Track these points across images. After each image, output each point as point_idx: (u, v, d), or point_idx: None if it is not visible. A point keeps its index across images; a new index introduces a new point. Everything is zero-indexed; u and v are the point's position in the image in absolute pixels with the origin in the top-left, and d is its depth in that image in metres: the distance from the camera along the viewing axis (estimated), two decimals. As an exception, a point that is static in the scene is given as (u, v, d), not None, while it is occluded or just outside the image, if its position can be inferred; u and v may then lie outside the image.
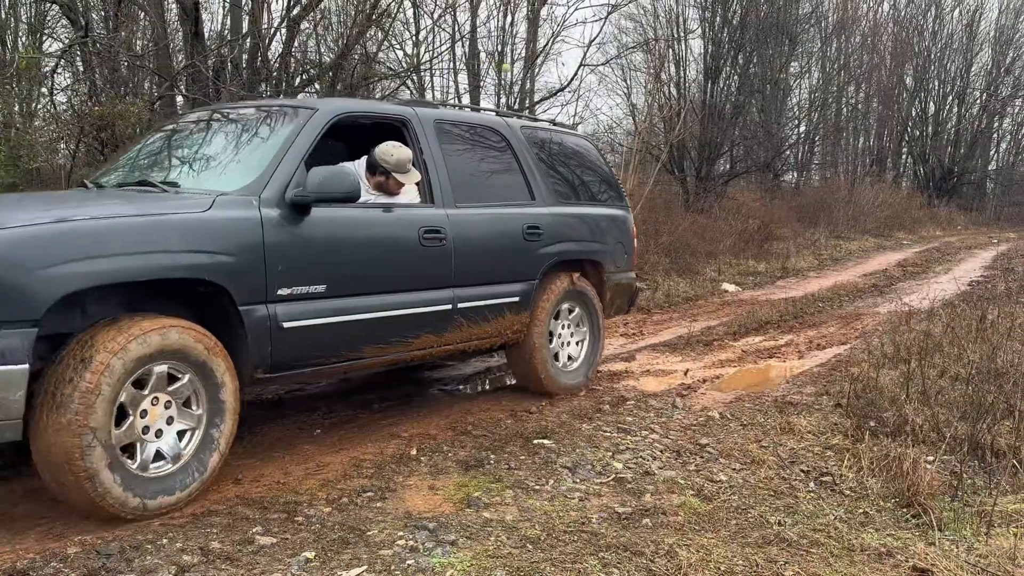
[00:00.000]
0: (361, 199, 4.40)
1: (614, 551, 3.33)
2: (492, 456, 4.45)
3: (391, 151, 4.81)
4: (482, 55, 14.16)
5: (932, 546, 3.56)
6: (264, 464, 4.31)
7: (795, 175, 26.08)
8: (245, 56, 9.79)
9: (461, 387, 6.28)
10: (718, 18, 21.53)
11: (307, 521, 3.53)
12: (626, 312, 6.92)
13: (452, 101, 8.79)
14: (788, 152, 24.61)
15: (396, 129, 4.97)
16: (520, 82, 13.66)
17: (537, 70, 14.54)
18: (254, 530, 3.41)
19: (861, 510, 3.97)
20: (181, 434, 3.64)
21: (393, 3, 11.76)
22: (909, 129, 32.42)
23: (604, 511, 3.78)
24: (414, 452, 4.50)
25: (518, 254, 5.36)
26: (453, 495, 3.89)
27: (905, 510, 3.96)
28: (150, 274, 3.50)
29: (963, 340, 6.66)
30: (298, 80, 9.95)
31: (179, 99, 9.75)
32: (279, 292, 3.96)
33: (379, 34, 12.02)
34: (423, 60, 13.32)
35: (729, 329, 8.74)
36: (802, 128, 25.96)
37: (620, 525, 3.63)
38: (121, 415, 3.38)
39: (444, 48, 14.22)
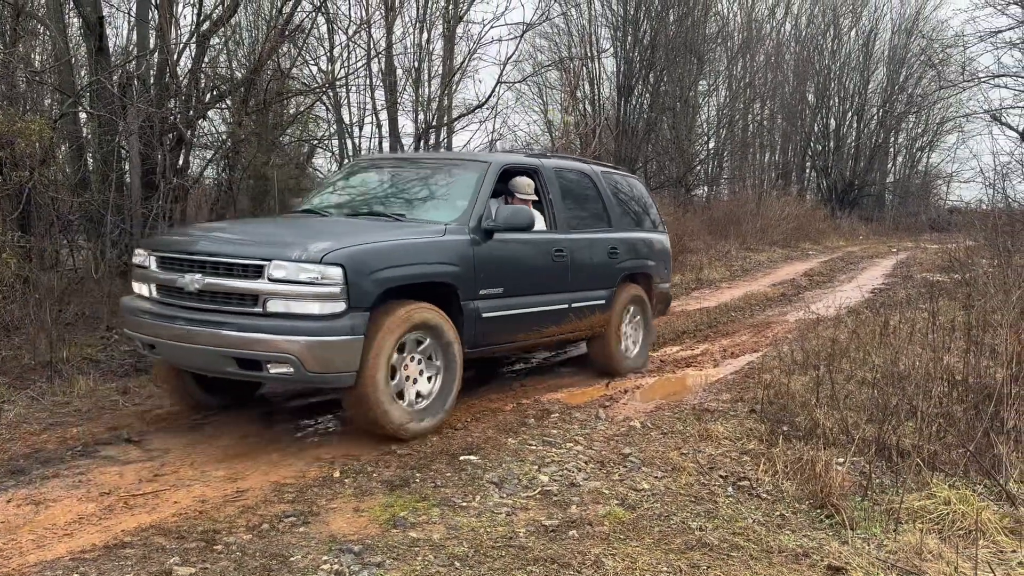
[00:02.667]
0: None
1: (542, 564, 3.34)
2: (418, 475, 4.41)
3: (527, 183, 6.53)
4: (399, 71, 14.11)
5: (845, 545, 3.71)
6: (179, 490, 4.17)
7: (705, 189, 26.84)
8: (153, 72, 9.49)
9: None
10: (629, 38, 22.06)
11: (227, 549, 3.43)
12: (663, 314, 8.53)
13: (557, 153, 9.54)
14: (699, 167, 25.31)
15: (529, 173, 6.58)
16: (437, 99, 13.66)
17: (455, 87, 14.57)
18: (171, 561, 3.29)
19: (778, 513, 4.10)
20: (429, 379, 5.23)
21: (307, 19, 11.62)
22: (812, 144, 33.82)
23: (531, 524, 3.80)
24: (338, 474, 4.43)
25: (605, 268, 7.01)
26: (379, 516, 3.84)
27: (819, 511, 4.11)
28: (419, 278, 5.16)
29: (868, 345, 6.97)
30: (208, 96, 9.70)
31: (83, 116, 9.38)
32: (480, 292, 5.59)
33: (292, 50, 11.85)
34: (338, 76, 13.17)
35: (648, 340, 8.91)
36: (711, 144, 26.79)
37: (547, 538, 3.65)
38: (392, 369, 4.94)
39: (360, 64, 14.10)
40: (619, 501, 4.15)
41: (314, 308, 4.58)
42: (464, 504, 4.02)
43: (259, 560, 3.31)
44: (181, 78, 9.31)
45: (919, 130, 36.42)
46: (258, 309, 4.62)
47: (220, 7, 9.65)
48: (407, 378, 5.10)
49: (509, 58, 15.19)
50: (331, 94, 14.55)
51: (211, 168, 10.58)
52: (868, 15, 34.09)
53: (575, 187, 7.02)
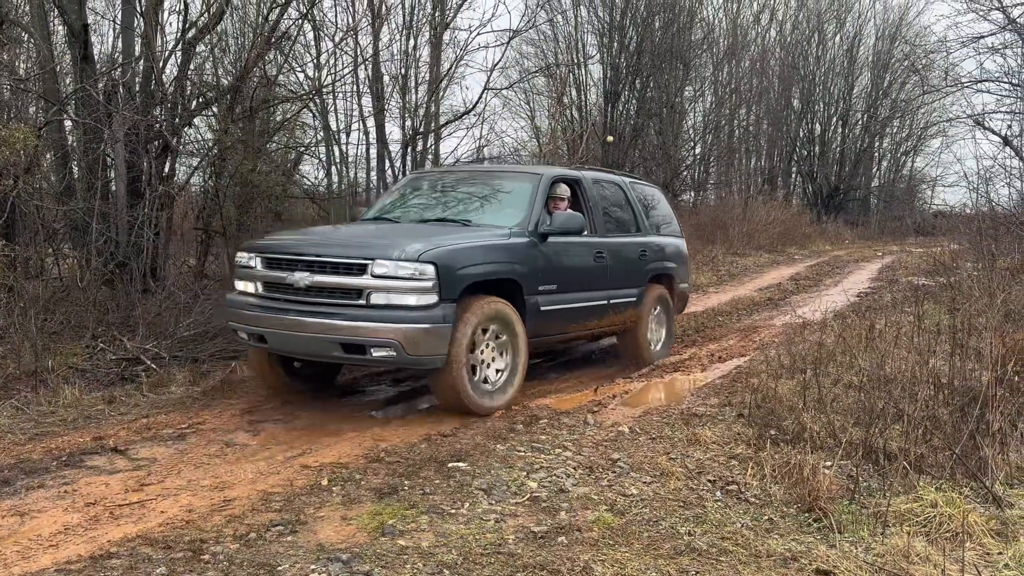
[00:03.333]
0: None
1: (530, 571, 3.34)
2: (407, 482, 4.40)
3: (566, 189, 7.19)
4: (385, 78, 14.12)
5: (833, 548, 3.72)
6: (166, 500, 4.14)
7: (692, 194, 26.95)
8: (138, 79, 9.45)
9: (373, 413, 6.18)
10: (615, 44, 22.15)
11: (214, 559, 3.40)
12: (680, 312, 9.22)
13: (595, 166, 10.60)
14: (685, 172, 25.43)
15: (571, 183, 7.31)
16: (424, 105, 13.67)
17: (442, 94, 14.59)
18: (157, 571, 3.27)
19: (766, 517, 4.12)
20: (501, 363, 6.05)
21: (293, 26, 11.61)
22: (797, 149, 34.02)
23: (520, 531, 3.79)
24: (325, 482, 4.41)
25: (636, 268, 7.78)
26: (367, 524, 3.82)
27: (807, 515, 4.12)
28: (492, 275, 5.91)
29: (854, 349, 6.99)
30: (194, 103, 9.66)
31: (68, 124, 9.33)
32: (539, 288, 6.34)
33: (279, 56, 11.83)
34: (325, 83, 13.16)
35: (636, 345, 8.92)
36: (698, 150, 26.94)
37: (536, 544, 3.64)
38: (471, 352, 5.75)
39: (347, 71, 14.11)
40: (608, 507, 4.15)
41: (411, 300, 5.37)
42: (453, 511, 4.01)
43: (246, 570, 3.29)
44: (167, 85, 9.28)
45: (904, 135, 36.73)
46: (362, 301, 5.40)
47: (206, 15, 9.64)
48: (482, 362, 5.93)
49: (496, 65, 15.33)
50: (318, 101, 14.56)
51: (197, 175, 10.55)
52: (852, 21, 34.40)
53: (610, 196, 7.83)
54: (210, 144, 10.10)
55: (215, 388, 6.61)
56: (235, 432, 5.49)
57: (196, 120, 10.20)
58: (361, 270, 5.40)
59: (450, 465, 4.69)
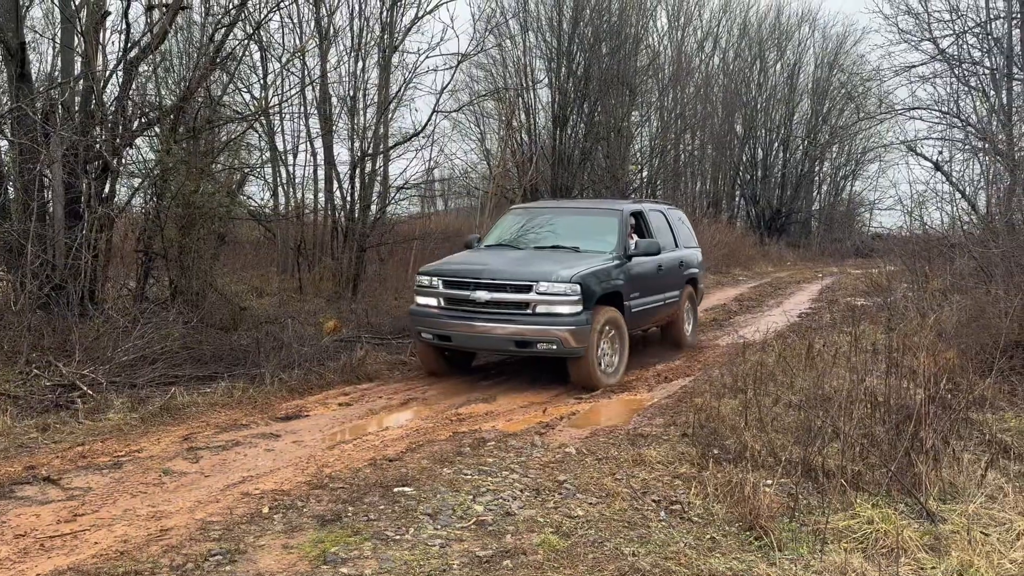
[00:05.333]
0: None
1: (475, 596, 3.32)
2: (350, 508, 4.34)
3: (633, 218, 9.34)
4: (334, 100, 14.05)
5: (773, 566, 3.79)
6: (100, 530, 4.02)
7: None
8: (78, 99, 9.25)
9: (316, 437, 6.08)
10: (563, 69, 22.43)
11: (150, 591, 3.31)
12: (697, 306, 11.25)
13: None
14: (633, 195, 25.79)
15: (637, 213, 9.56)
16: (373, 127, 13.62)
17: (391, 115, 14.56)
18: (89, 606, 3.16)
19: (708, 536, 4.17)
20: (614, 353, 8.21)
21: (239, 46, 11.50)
22: (741, 173, 34.74)
23: (465, 556, 3.78)
24: (266, 510, 4.33)
25: (677, 275, 10.10)
26: (309, 552, 3.76)
27: (748, 533, 4.19)
28: (609, 289, 8.15)
29: (794, 369, 7.16)
30: (136, 123, 9.48)
31: (3, 143, 9.07)
32: (631, 295, 8.58)
33: (224, 77, 11.70)
34: (272, 104, 13.05)
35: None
36: (645, 173, 27.35)
37: (481, 569, 3.63)
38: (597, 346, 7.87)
39: (294, 92, 14.01)
40: (554, 529, 4.16)
41: (565, 309, 7.56)
42: (397, 537, 3.97)
43: (183, 601, 3.21)
44: (107, 105, 9.10)
45: (842, 159, 37.78)
46: (529, 312, 7.62)
47: (149, 34, 9.49)
48: (603, 352, 8.00)
49: (445, 88, 15.30)
50: (264, 121, 14.41)
51: (138, 196, 10.32)
52: (792, 49, 35.37)
53: (659, 222, 10.04)
54: (152, 165, 9.91)
55: (154, 414, 6.44)
56: (174, 459, 5.35)
57: (138, 140, 10.01)
58: (528, 289, 7.63)
59: (396, 490, 4.65)
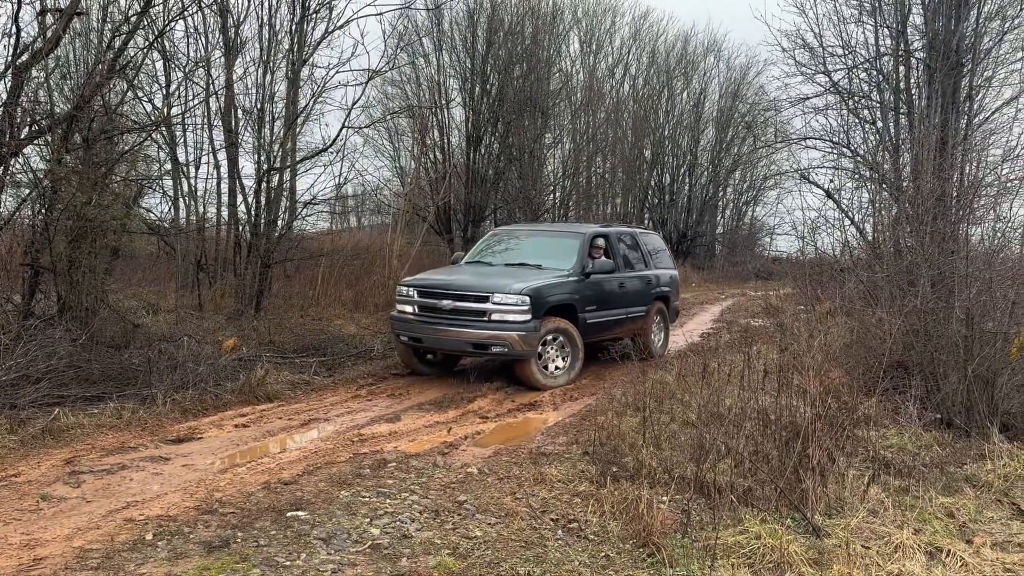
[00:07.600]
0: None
1: (366, 621, 3.26)
2: (240, 534, 4.21)
3: (601, 240, 10.35)
4: (239, 112, 13.70)
5: (664, 582, 3.85)
6: (-35, 565, 3.77)
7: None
8: (-41, 104, 8.74)
9: (209, 460, 5.87)
10: (477, 89, 22.58)
11: (16, 626, 3.12)
12: (673, 321, 12.32)
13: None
14: (546, 216, 26.08)
15: (603, 236, 10.50)
16: (281, 141, 13.34)
17: (299, 129, 14.29)
18: (-54, 644, 2.95)
19: (603, 553, 4.21)
20: (563, 358, 9.16)
21: (139, 53, 11.11)
22: (649, 197, 35.67)
23: (358, 580, 3.70)
24: (150, 536, 4.15)
25: (644, 292, 10.96)
26: (194, 579, 3.62)
27: (642, 550, 4.25)
28: (559, 301, 9.09)
29: (692, 387, 7.34)
30: (25, 131, 9.02)
31: None
32: (586, 308, 9.51)
33: (124, 85, 11.26)
34: (173, 114, 12.63)
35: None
36: (557, 194, 27.73)
37: (373, 593, 3.56)
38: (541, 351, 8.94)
39: (197, 103, 13.61)
40: (450, 551, 4.13)
41: (516, 317, 8.55)
42: (288, 563, 3.86)
43: (52, 636, 3.04)
44: (-8, 111, 8.62)
45: (745, 185, 39.26)
46: (486, 319, 8.60)
47: (41, 38, 9.07)
48: (549, 357, 9.04)
49: (355, 103, 15.16)
50: (165, 132, 13.94)
51: (26, 208, 9.80)
52: (699, 79, 36.58)
53: (627, 242, 11.12)
54: (41, 175, 9.44)
55: (35, 436, 6.10)
56: (54, 484, 5.08)
57: (27, 149, 9.51)
58: (486, 299, 8.62)
59: (289, 514, 4.53)
